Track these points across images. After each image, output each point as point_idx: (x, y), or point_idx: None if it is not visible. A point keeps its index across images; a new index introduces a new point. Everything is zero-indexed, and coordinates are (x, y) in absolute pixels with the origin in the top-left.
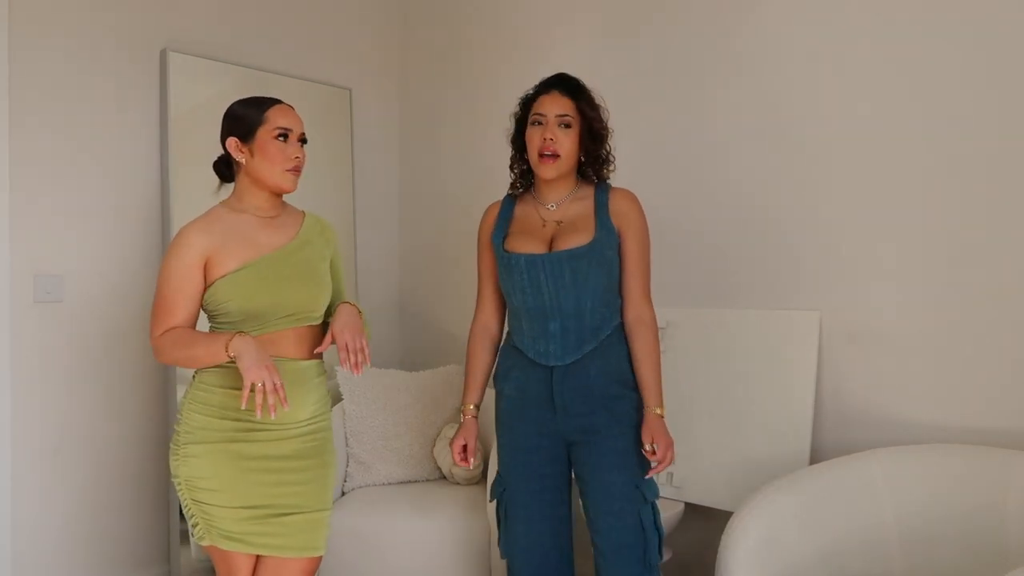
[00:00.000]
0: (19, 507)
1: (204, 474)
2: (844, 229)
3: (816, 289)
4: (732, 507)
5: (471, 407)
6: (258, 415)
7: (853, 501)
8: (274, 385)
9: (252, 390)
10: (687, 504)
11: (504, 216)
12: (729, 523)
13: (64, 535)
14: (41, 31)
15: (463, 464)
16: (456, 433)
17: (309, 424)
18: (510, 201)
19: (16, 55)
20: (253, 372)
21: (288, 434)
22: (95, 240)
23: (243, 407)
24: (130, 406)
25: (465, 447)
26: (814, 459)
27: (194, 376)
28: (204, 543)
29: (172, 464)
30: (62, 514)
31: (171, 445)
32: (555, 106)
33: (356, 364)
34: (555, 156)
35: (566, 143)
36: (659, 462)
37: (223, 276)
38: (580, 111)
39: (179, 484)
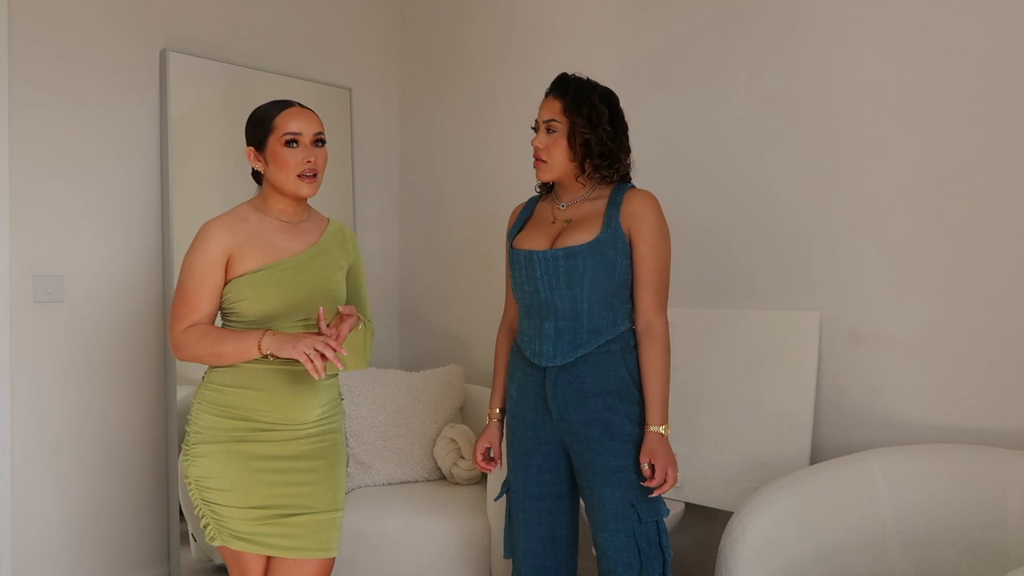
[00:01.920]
0: (19, 507)
1: (213, 474)
2: (844, 229)
3: (816, 289)
4: (732, 507)
5: (496, 410)
6: (322, 375)
7: (853, 501)
8: (325, 346)
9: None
10: (687, 504)
11: (524, 215)
12: (729, 523)
13: (64, 535)
14: (41, 31)
15: (486, 467)
16: (480, 436)
17: (318, 425)
18: (534, 201)
19: (16, 55)
20: (300, 349)
21: (297, 434)
22: (95, 240)
23: (317, 376)
24: (130, 406)
25: (488, 450)
26: (814, 459)
27: (204, 376)
28: (216, 543)
29: (183, 465)
30: (62, 514)
31: (182, 446)
32: (544, 111)
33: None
34: (544, 161)
35: (553, 149)
36: (658, 485)
37: (241, 276)
38: (565, 114)
39: (190, 484)
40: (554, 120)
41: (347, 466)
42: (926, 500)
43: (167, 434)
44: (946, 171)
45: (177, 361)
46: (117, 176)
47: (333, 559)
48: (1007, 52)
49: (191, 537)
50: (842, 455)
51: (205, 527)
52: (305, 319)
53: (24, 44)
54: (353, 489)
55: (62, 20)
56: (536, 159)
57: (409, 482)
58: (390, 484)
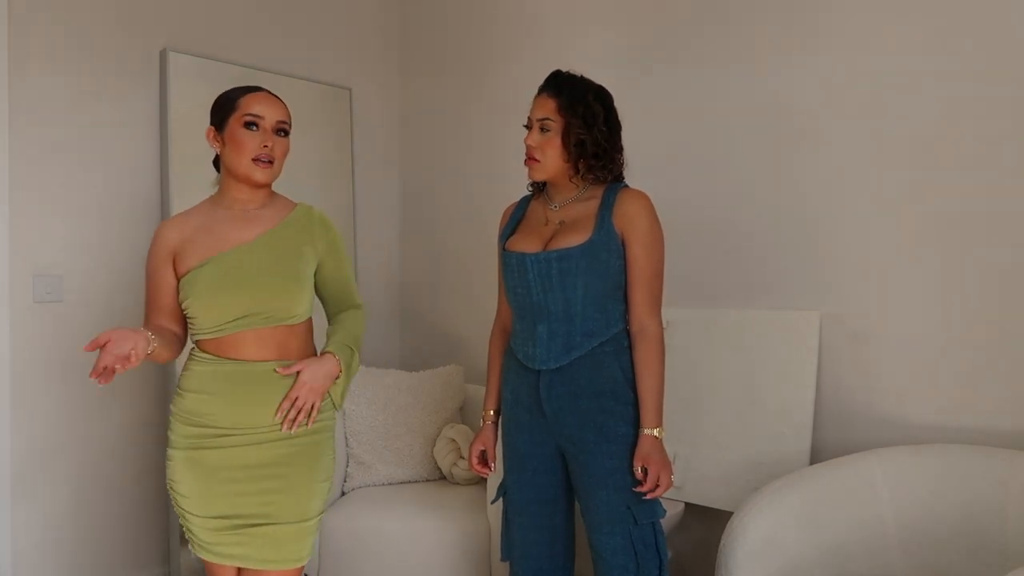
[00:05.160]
0: (19, 507)
1: (177, 479)
2: (845, 229)
3: (816, 289)
4: (732, 507)
5: (490, 412)
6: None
7: (853, 501)
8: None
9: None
10: (687, 504)
11: (516, 215)
12: (729, 523)
13: (63, 535)
14: (40, 31)
15: (482, 471)
16: (474, 439)
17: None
18: (526, 201)
19: (16, 55)
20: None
21: (254, 439)
22: (95, 240)
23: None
24: (130, 406)
25: (484, 453)
26: (814, 459)
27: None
28: (189, 544)
29: None
30: (62, 514)
31: None
32: (538, 109)
33: (290, 420)
34: (536, 160)
35: (546, 147)
36: (650, 489)
37: (185, 273)
38: (560, 112)
39: (167, 486)
40: (548, 119)
41: (346, 465)
42: (926, 500)
43: (166, 435)
44: (947, 171)
45: (176, 360)
46: (117, 176)
47: (303, 567)
48: (1007, 52)
49: None
50: (842, 455)
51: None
52: (252, 314)
53: (24, 44)
54: (353, 489)
55: (62, 20)
56: (529, 158)
57: (409, 482)
58: (390, 484)
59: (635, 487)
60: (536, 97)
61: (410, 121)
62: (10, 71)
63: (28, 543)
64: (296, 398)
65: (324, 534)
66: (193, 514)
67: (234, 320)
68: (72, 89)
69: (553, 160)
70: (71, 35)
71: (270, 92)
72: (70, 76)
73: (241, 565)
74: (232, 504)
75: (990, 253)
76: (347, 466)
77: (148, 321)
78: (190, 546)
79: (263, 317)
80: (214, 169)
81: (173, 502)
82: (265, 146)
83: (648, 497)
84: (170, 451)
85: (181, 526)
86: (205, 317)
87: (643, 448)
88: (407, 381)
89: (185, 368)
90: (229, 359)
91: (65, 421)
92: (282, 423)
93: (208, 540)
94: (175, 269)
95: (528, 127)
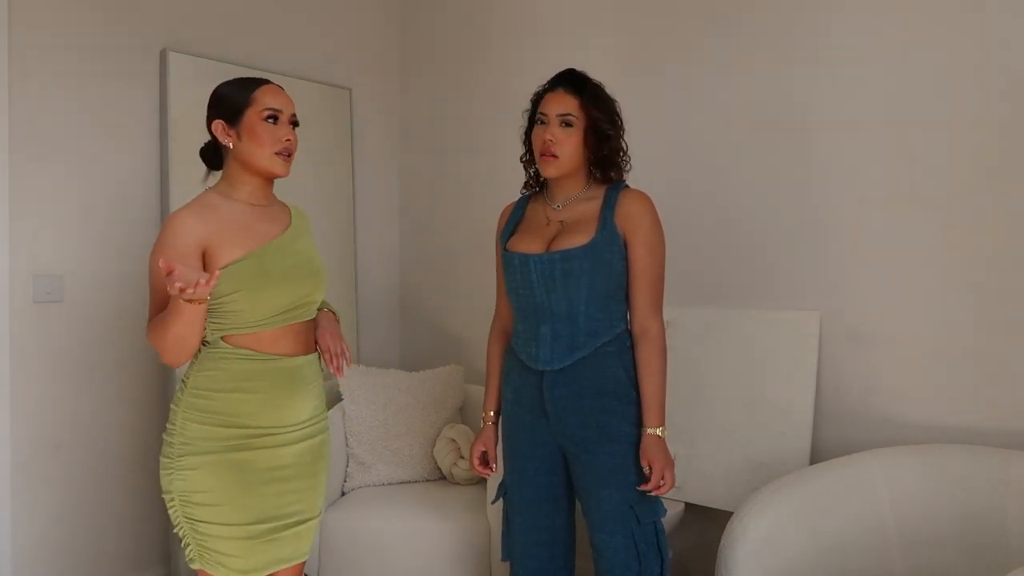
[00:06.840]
0: (19, 507)
1: (203, 488)
2: (845, 229)
3: (816, 289)
4: (732, 507)
5: (491, 413)
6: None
7: (853, 501)
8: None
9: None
10: (687, 504)
11: (515, 215)
12: (729, 523)
13: (63, 536)
14: (41, 31)
15: (483, 472)
16: (475, 440)
17: (309, 425)
18: (524, 200)
19: (16, 55)
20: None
21: (290, 438)
22: (95, 240)
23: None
24: (129, 407)
25: (485, 453)
26: (814, 459)
27: (185, 381)
28: (194, 566)
29: (164, 479)
30: (62, 515)
31: (162, 458)
32: (558, 105)
33: (339, 367)
34: (555, 156)
35: (567, 144)
36: (655, 487)
37: (225, 267)
38: (584, 109)
39: (171, 500)
40: (571, 114)
41: (346, 465)
42: (926, 500)
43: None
44: (947, 171)
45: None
46: (117, 176)
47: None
48: (1008, 52)
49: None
50: (842, 455)
51: (186, 547)
52: (297, 307)
53: (24, 45)
54: (353, 489)
55: (62, 20)
56: (547, 153)
57: (409, 482)
58: (390, 484)
59: (640, 485)
60: (550, 93)
61: (410, 121)
62: (10, 71)
63: (28, 543)
64: (328, 348)
65: (324, 534)
66: (219, 523)
67: (282, 313)
68: (72, 89)
69: (572, 156)
70: (71, 35)
71: (278, 84)
72: (70, 76)
73: (266, 571)
74: (272, 505)
75: (990, 253)
76: (347, 466)
77: (154, 317)
78: (188, 562)
79: (305, 309)
80: (202, 161)
81: (183, 516)
82: (287, 140)
83: (652, 495)
84: (190, 459)
85: (184, 545)
86: (254, 310)
87: (647, 447)
88: (407, 381)
89: (206, 368)
90: (267, 354)
91: (65, 421)
92: (331, 363)
93: (231, 551)
94: (204, 262)
95: (543, 122)
